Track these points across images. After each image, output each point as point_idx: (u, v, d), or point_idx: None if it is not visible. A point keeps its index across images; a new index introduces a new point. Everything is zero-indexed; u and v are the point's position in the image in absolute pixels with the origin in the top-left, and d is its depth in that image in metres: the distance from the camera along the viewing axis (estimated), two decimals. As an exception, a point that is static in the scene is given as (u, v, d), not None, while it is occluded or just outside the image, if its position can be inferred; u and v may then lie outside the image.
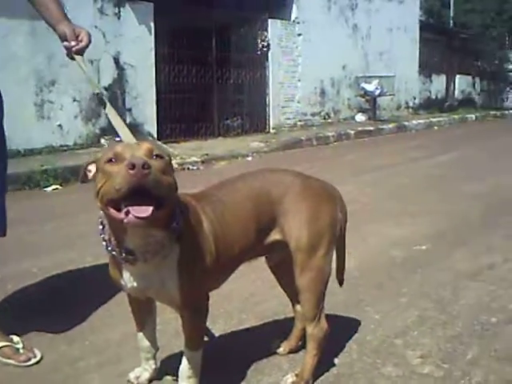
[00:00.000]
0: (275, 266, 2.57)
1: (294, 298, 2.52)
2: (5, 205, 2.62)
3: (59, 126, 9.01)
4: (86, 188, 5.25)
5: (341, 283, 2.62)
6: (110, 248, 1.96)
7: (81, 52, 2.54)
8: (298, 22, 13.10)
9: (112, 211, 1.76)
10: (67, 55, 2.57)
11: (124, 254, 1.92)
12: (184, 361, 2.16)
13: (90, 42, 2.57)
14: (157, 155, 1.82)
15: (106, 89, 9.47)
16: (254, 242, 2.26)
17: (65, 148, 9.01)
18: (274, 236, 2.30)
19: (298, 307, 2.56)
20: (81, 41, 2.53)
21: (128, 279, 2.03)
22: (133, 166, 1.66)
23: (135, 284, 2.03)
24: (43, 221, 5.21)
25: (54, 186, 6.94)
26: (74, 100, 9.19)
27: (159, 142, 2.06)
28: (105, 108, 2.45)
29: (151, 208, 1.70)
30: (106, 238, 1.97)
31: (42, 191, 6.75)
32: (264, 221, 2.26)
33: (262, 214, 2.26)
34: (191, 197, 2.18)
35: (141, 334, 2.34)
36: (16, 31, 7.92)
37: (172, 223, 1.92)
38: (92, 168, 1.92)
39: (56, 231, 4.87)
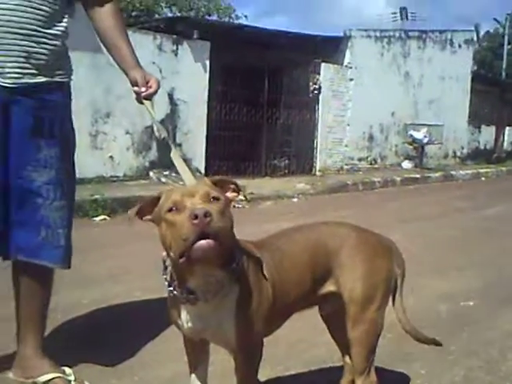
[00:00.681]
0: (328, 317, 2.58)
1: (345, 349, 2.53)
2: (71, 238, 2.72)
3: (111, 157, 9.23)
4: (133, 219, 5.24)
5: (417, 339, 2.59)
6: (171, 288, 2.01)
7: (150, 97, 2.66)
8: (351, 67, 13.22)
9: (180, 257, 1.83)
10: (136, 100, 2.69)
11: (185, 294, 1.98)
12: (234, 404, 2.18)
13: (158, 88, 2.69)
14: (214, 197, 1.88)
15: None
16: (309, 292, 2.29)
17: (115, 179, 9.20)
18: (329, 287, 2.33)
19: (348, 359, 2.56)
20: (150, 87, 2.66)
21: (186, 320, 2.07)
22: (195, 217, 1.73)
23: (192, 325, 2.07)
24: (92, 250, 5.29)
25: (102, 216, 7.08)
26: (127, 132, 9.41)
27: (225, 178, 2.09)
28: (170, 152, 2.53)
29: (213, 242, 1.76)
30: (168, 278, 2.03)
31: (91, 220, 6.89)
32: (319, 271, 2.29)
33: (317, 264, 2.29)
34: (251, 243, 2.24)
35: (193, 376, 2.36)
36: (78, 63, 8.15)
37: (232, 264, 1.97)
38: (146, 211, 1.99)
39: (104, 261, 4.96)
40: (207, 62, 10.49)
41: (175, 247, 1.82)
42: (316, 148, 12.64)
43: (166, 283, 2.04)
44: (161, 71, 9.55)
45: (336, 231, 2.44)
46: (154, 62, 9.34)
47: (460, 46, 16.77)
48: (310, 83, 12.40)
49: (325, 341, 3.14)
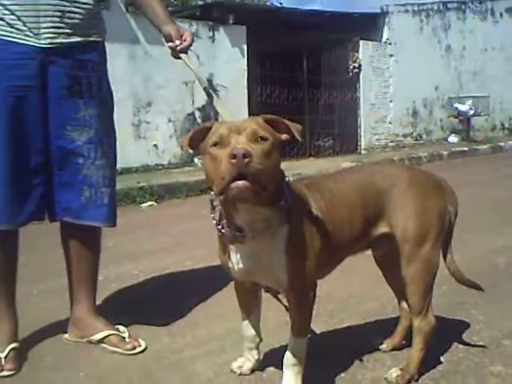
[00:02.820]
0: (381, 258, 2.54)
1: (400, 292, 2.48)
2: (115, 196, 2.72)
3: (155, 145, 9.29)
4: (179, 204, 5.40)
5: (460, 281, 2.53)
6: (219, 226, 2.00)
7: (185, 50, 2.64)
8: (390, 43, 13.02)
9: (220, 194, 1.82)
10: (172, 55, 2.67)
11: (233, 232, 1.96)
12: (289, 348, 2.15)
13: (193, 40, 2.67)
14: (261, 137, 1.85)
15: (199, 109, 9.70)
16: (361, 233, 2.25)
17: (159, 167, 9.26)
18: (382, 229, 2.28)
19: (404, 304, 2.51)
20: (185, 40, 2.63)
21: (236, 261, 2.06)
22: (234, 156, 1.71)
23: (243, 265, 2.05)
24: (140, 231, 5.35)
25: (149, 203, 7.13)
26: (169, 120, 9.46)
27: (279, 118, 2.02)
28: (212, 101, 2.52)
29: (250, 184, 1.74)
30: (217, 217, 2.01)
31: (138, 207, 6.94)
32: (371, 212, 2.25)
33: (369, 204, 2.25)
34: (301, 183, 2.21)
35: (246, 323, 2.35)
36: (117, 55, 8.25)
37: (280, 202, 1.94)
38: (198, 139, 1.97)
39: (153, 240, 4.98)
40: (244, 47, 10.47)
41: (215, 183, 1.81)
42: (360, 127, 12.49)
43: (214, 222, 2.02)
44: (198, 58, 9.55)
45: (387, 171, 2.41)
46: (191, 49, 9.33)
47: (501, 15, 16.34)
48: (350, 62, 12.26)
49: (377, 295, 3.12)
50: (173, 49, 2.64)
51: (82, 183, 2.57)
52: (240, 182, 1.73)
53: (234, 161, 1.71)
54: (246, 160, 1.71)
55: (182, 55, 2.63)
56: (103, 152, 2.62)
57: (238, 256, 2.05)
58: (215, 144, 1.84)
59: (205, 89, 2.58)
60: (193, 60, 2.70)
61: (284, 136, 1.96)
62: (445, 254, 2.44)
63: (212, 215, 2.03)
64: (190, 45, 2.65)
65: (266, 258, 2.01)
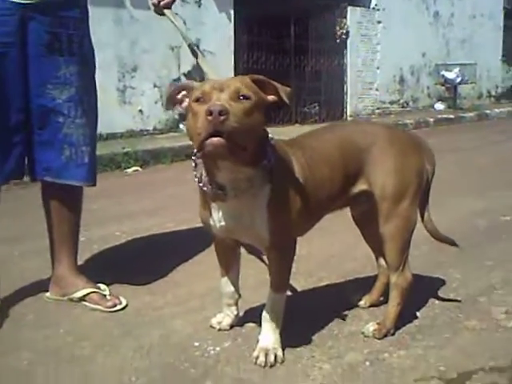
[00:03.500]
0: (359, 216, 2.56)
1: (378, 250, 2.52)
2: (96, 156, 2.72)
3: (140, 111, 9.22)
4: (164, 169, 5.38)
5: (436, 237, 2.57)
6: (201, 184, 2.01)
7: (169, 6, 2.61)
8: (378, 9, 12.91)
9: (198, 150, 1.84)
10: (155, 11, 2.64)
11: (215, 189, 1.97)
12: (268, 303, 2.18)
13: None
14: (243, 96, 1.84)
15: (185, 75, 9.63)
16: (341, 190, 2.27)
17: (145, 133, 9.20)
18: (361, 186, 2.31)
19: (382, 261, 2.55)
20: None
21: (218, 218, 2.07)
22: (210, 113, 1.71)
23: (224, 223, 2.06)
24: (125, 195, 5.34)
25: (134, 168, 7.10)
26: (155, 86, 9.38)
27: (266, 79, 1.99)
28: (197, 58, 2.50)
29: (224, 141, 1.74)
30: (198, 175, 2.02)
31: (123, 172, 6.91)
32: (351, 169, 2.27)
33: (348, 161, 2.27)
34: (283, 142, 2.22)
35: (225, 279, 2.38)
36: (102, 19, 8.13)
37: (262, 161, 1.95)
38: (182, 97, 1.98)
39: (137, 203, 4.97)
40: (231, 12, 10.35)
41: (193, 139, 1.82)
42: (346, 93, 12.43)
43: (196, 179, 2.03)
44: (185, 23, 9.42)
45: (368, 129, 2.44)
46: (177, 14, 9.21)
47: (490, -19, 16.27)
48: (337, 28, 12.16)
49: (357, 255, 3.16)
50: (155, 5, 2.61)
51: (63, 142, 2.56)
52: (215, 139, 1.74)
53: (210, 117, 1.72)
54: (222, 117, 1.72)
55: (166, 11, 2.60)
56: (83, 111, 2.61)
57: (220, 214, 2.06)
58: (197, 100, 1.84)
59: (189, 46, 2.55)
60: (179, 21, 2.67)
61: (270, 97, 1.95)
62: (422, 213, 2.47)
63: (194, 172, 2.04)
64: (174, 0, 2.62)
65: (247, 217, 2.03)
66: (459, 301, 2.66)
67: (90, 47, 2.70)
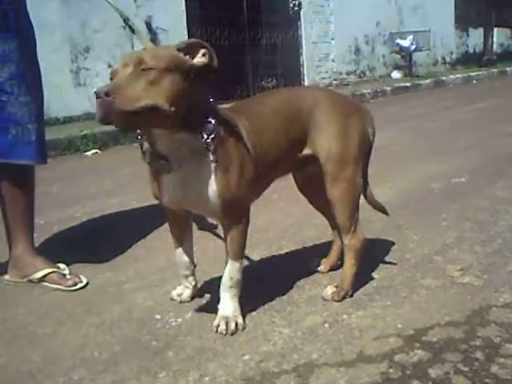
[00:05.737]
0: (304, 183, 2.60)
1: (328, 214, 2.55)
2: (44, 133, 2.69)
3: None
4: (124, 150, 5.33)
5: (371, 203, 2.62)
6: (143, 156, 2.02)
7: None
8: (329, -20, 12.91)
9: None
10: None
11: (157, 160, 1.99)
12: (226, 272, 2.19)
13: None
14: (146, 67, 1.80)
15: (139, 54, 9.52)
16: (288, 154, 2.29)
17: (102, 114, 9.10)
18: (307, 150, 2.33)
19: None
20: None
21: (167, 190, 2.07)
22: (97, 96, 1.71)
23: (174, 194, 2.07)
24: (84, 177, 5.29)
25: (93, 150, 7.03)
26: (109, 66, 9.24)
27: (196, 41, 1.96)
28: (134, 33, 2.48)
29: (118, 121, 1.75)
30: (144, 148, 2.02)
31: (83, 155, 6.85)
32: (296, 132, 2.29)
33: (293, 125, 2.29)
34: (227, 108, 2.22)
35: (179, 250, 2.39)
36: (47, -1, 8.02)
37: (201, 127, 1.95)
38: None
39: (97, 184, 4.93)
40: (182, -13, 10.26)
41: None
42: (303, 65, 12.44)
43: (140, 151, 2.04)
44: (135, 0, 9.34)
45: (309, 92, 2.47)
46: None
47: None
48: (290, 0, 12.14)
49: (316, 223, 3.19)
50: None
51: (7, 121, 2.53)
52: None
53: (98, 101, 1.71)
54: (109, 99, 1.69)
55: None
56: (27, 88, 2.57)
57: (169, 185, 2.06)
58: (111, 79, 1.84)
59: (125, 21, 2.52)
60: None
61: (198, 60, 1.93)
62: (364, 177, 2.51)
63: (139, 145, 2.04)
64: None
65: (196, 187, 2.03)
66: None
67: (27, 22, 2.64)
